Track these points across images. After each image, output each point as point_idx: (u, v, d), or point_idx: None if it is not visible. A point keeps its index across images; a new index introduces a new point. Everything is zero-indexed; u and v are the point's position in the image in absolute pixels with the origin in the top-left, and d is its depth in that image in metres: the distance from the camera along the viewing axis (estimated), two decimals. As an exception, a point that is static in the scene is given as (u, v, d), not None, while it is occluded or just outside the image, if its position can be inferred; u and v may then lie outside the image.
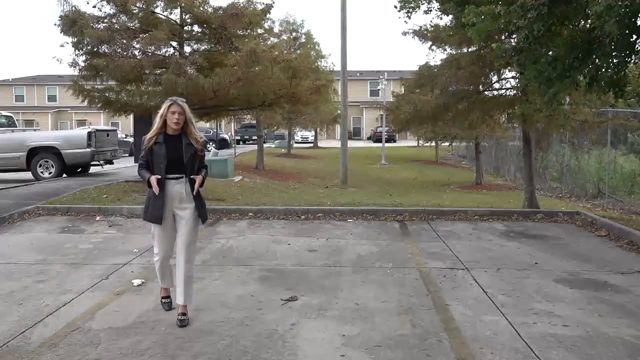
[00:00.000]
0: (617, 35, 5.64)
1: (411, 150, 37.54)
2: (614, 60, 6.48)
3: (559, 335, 4.05)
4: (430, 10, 9.43)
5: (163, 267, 4.48)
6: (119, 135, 22.30)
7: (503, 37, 8.81)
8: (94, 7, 11.56)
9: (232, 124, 42.57)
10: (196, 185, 4.24)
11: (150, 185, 4.19)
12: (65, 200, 9.87)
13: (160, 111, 4.26)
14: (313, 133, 45.08)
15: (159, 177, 4.18)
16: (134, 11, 11.65)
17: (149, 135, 4.26)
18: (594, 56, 6.52)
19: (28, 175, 14.49)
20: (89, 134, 14.61)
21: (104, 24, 11.46)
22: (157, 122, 4.28)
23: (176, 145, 4.25)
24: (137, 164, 4.48)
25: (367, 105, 52.14)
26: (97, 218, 8.72)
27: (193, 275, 4.43)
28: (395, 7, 9.36)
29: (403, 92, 19.74)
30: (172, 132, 4.25)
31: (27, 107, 52.76)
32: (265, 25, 15.67)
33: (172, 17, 12.10)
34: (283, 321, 4.32)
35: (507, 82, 11.24)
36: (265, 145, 26.42)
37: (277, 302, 4.79)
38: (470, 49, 10.93)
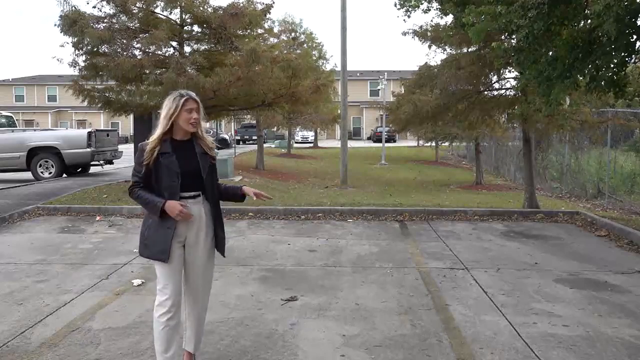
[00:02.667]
0: (615, 35, 5.64)
1: (411, 150, 37.53)
2: (614, 60, 6.48)
3: (559, 335, 4.04)
4: (429, 10, 9.42)
5: (173, 325, 3.18)
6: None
7: (503, 37, 8.82)
8: (94, 7, 11.59)
9: (232, 124, 42.62)
10: (253, 192, 3.37)
11: (162, 214, 3.09)
12: (65, 200, 9.87)
13: (169, 109, 3.16)
14: (313, 133, 45.09)
15: (183, 204, 3.12)
16: (134, 11, 11.67)
17: (151, 145, 3.14)
18: (594, 56, 6.52)
19: (28, 175, 14.49)
20: (89, 134, 14.63)
21: (104, 24, 11.47)
22: (162, 124, 3.17)
23: (189, 154, 3.22)
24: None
25: (367, 105, 52.17)
26: (97, 218, 8.72)
27: (205, 318, 3.49)
28: (395, 5, 9.37)
29: (403, 92, 19.73)
30: (181, 136, 3.23)
31: (27, 107, 52.82)
32: (265, 26, 15.67)
33: (172, 17, 12.13)
34: (283, 321, 4.32)
35: (507, 82, 11.25)
36: (265, 145, 26.41)
37: (277, 302, 4.79)
38: (470, 49, 10.94)
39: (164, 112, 3.20)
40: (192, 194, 3.23)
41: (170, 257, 3.14)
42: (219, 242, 3.36)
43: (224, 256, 3.47)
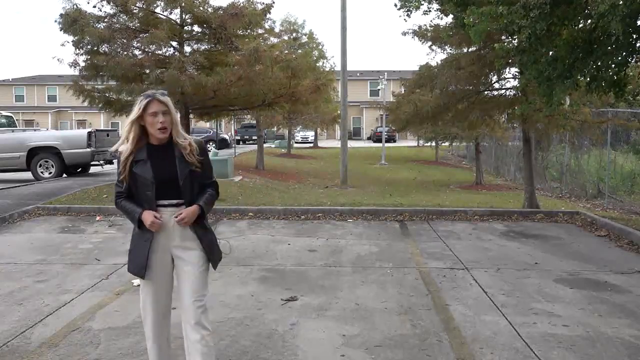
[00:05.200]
0: (621, 34, 5.63)
1: (411, 150, 37.53)
2: (615, 60, 6.48)
3: (559, 335, 4.04)
4: (430, 11, 9.41)
5: (158, 347, 3.17)
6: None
7: (503, 37, 8.80)
8: (94, 6, 11.60)
9: (232, 124, 42.60)
10: (179, 217, 2.93)
11: (141, 226, 2.93)
12: (65, 200, 9.87)
13: (133, 114, 2.91)
14: (313, 133, 45.10)
15: (156, 214, 2.91)
16: (134, 11, 11.69)
17: (124, 155, 2.94)
18: (595, 56, 6.52)
19: (28, 175, 14.49)
20: (89, 134, 14.63)
21: (104, 24, 11.49)
22: (127, 130, 2.94)
23: (166, 159, 2.96)
24: None
25: (367, 105, 52.15)
26: (97, 218, 8.72)
27: (212, 345, 3.07)
28: (395, 5, 9.35)
29: (403, 92, 19.75)
30: (157, 141, 2.96)
31: (27, 107, 52.80)
32: (266, 26, 15.69)
33: (172, 17, 12.14)
34: (283, 321, 4.32)
35: (507, 82, 11.25)
36: (265, 145, 26.41)
37: (277, 302, 4.79)
38: (470, 49, 10.92)
39: (130, 116, 2.95)
40: (173, 202, 2.97)
41: (148, 272, 2.96)
42: (211, 255, 3.07)
43: (215, 268, 3.14)
